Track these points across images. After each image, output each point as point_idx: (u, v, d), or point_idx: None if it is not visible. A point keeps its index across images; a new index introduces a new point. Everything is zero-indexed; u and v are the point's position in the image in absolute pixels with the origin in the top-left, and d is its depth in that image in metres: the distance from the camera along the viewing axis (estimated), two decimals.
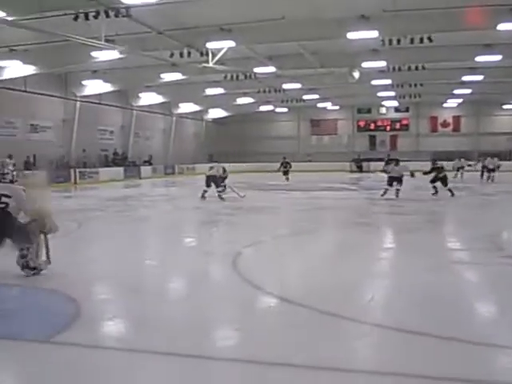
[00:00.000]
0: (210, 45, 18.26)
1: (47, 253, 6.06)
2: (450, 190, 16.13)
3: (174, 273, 6.89)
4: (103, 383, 3.50)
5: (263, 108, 39.47)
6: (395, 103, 39.34)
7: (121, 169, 29.29)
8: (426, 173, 16.88)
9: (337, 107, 41.18)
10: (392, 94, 32.72)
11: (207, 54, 19.53)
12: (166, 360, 3.82)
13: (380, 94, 32.86)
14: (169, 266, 7.23)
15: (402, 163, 17.00)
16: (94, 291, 5.83)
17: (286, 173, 26.87)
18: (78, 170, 26.21)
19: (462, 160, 27.30)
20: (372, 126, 42.91)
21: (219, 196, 15.83)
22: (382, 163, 34.92)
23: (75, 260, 7.23)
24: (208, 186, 15.98)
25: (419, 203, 15.24)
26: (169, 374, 3.65)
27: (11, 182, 6.03)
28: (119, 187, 19.52)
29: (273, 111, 41.31)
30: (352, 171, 36.61)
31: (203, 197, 15.87)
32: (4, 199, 5.69)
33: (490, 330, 4.44)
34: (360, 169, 37.39)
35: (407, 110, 41.50)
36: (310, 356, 3.82)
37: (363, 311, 4.98)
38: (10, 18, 14.53)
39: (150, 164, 33.32)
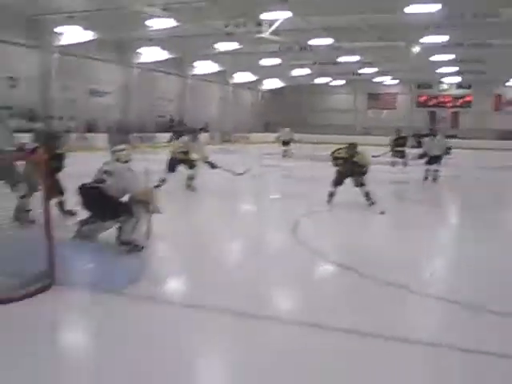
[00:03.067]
0: (266, 15, 18.14)
1: (148, 232, 6.17)
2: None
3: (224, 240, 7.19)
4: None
5: (319, 80, 38.95)
6: (457, 79, 37.88)
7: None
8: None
9: (396, 81, 40.11)
10: (454, 69, 31.54)
11: (262, 25, 19.40)
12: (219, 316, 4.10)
13: (441, 69, 31.73)
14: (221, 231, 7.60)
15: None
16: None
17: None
18: (136, 135, 26.86)
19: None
20: (432, 102, 41.59)
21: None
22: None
23: None
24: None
25: None
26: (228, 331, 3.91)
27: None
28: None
29: (329, 84, 40.69)
30: (412, 146, 35.65)
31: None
32: (104, 176, 5.80)
33: None
34: (419, 144, 36.29)
35: (469, 87, 39.91)
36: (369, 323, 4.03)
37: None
38: None
39: (206, 131, 33.60)
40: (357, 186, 9.19)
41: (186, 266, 5.65)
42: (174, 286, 5.08)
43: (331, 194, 9.28)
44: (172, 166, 10.68)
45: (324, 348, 3.61)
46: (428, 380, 3.37)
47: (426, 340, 3.80)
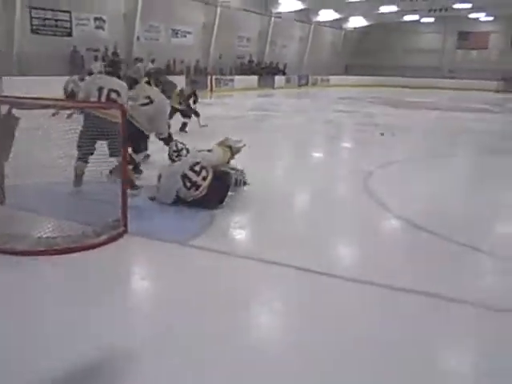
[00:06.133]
0: None
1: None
2: None
3: (296, 187, 6.94)
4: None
5: (408, 18, 36.79)
6: None
7: (255, 77, 29.36)
8: None
9: (491, 18, 37.14)
10: None
11: None
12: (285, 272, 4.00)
13: None
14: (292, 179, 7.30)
15: None
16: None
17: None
18: (214, 77, 26.68)
19: None
20: None
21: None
22: None
23: None
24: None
25: None
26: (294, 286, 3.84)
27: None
28: (253, 96, 19.83)
29: (418, 21, 38.32)
30: (499, 91, 33.43)
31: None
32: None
33: None
34: None
35: None
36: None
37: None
38: None
39: (284, 74, 33.01)
40: None
41: (250, 218, 5.43)
42: (238, 239, 4.92)
43: None
44: None
45: (380, 306, 3.53)
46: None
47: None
